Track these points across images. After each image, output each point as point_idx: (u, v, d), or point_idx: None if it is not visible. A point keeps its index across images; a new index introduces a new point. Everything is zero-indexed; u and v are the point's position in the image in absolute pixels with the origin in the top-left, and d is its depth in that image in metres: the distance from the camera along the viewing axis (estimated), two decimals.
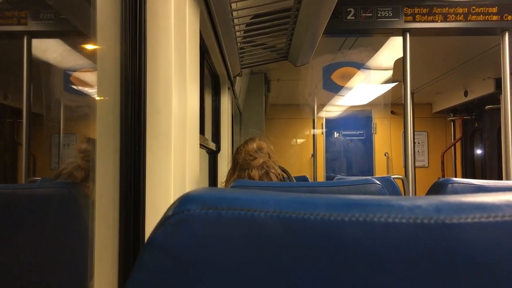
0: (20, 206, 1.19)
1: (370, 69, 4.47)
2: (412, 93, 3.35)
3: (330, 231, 0.35)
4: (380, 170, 6.86)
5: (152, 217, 0.85)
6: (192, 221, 0.36)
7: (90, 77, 1.48)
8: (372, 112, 6.91)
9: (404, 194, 3.13)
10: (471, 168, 6.49)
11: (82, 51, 1.56)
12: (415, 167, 3.16)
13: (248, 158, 1.73)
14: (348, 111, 6.56)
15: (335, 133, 7.04)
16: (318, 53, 2.70)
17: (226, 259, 0.36)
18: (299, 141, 7.15)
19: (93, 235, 0.86)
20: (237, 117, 4.67)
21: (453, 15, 2.91)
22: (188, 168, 1.10)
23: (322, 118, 6.89)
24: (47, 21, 1.65)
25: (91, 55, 0.91)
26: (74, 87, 1.62)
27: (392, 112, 6.62)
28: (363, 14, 2.93)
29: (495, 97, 4.99)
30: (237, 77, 3.08)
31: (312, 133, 6.76)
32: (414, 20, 2.93)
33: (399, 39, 3.04)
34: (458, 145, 6.75)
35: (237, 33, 2.04)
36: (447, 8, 2.91)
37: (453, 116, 6.72)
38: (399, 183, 3.37)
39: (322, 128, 6.94)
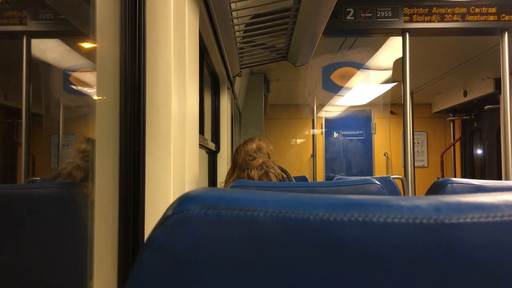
0: (19, 206, 1.19)
1: (369, 69, 4.47)
2: (411, 93, 3.35)
3: (329, 231, 0.35)
4: (379, 170, 6.87)
5: (152, 217, 0.85)
6: (192, 221, 0.36)
7: (89, 77, 1.48)
8: (371, 112, 6.91)
9: (404, 194, 3.13)
10: (470, 168, 6.49)
11: (82, 51, 1.56)
12: (414, 167, 3.16)
13: (247, 158, 1.73)
14: (348, 111, 6.57)
15: (334, 133, 7.04)
16: (318, 53, 2.70)
17: (226, 259, 0.36)
18: (299, 141, 7.15)
19: (92, 235, 0.86)
20: (237, 117, 4.67)
21: (452, 15, 2.91)
22: (188, 168, 1.10)
23: (321, 118, 6.89)
24: (47, 21, 1.65)
25: (91, 55, 0.91)
26: (74, 87, 1.62)
27: (392, 112, 6.62)
28: (363, 14, 2.93)
29: (495, 97, 5.00)
30: (237, 77, 3.09)
31: (311, 133, 6.76)
32: (413, 20, 2.93)
33: (399, 39, 3.04)
34: (457, 145, 6.75)
35: (237, 33, 2.04)
36: (446, 8, 2.91)
37: (453, 116, 6.72)
38: (398, 183, 3.38)
39: (322, 128, 6.94)
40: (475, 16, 2.90)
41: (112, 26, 0.86)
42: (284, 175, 1.89)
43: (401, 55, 3.01)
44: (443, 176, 6.65)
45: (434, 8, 2.92)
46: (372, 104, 6.01)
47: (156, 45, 0.91)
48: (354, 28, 2.98)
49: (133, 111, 0.84)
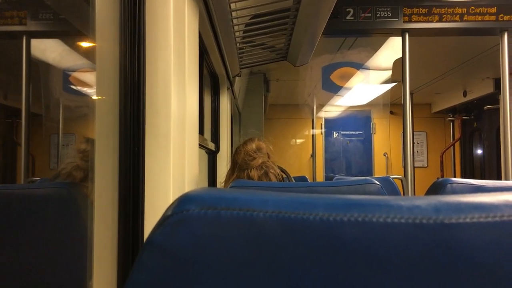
0: (19, 206, 1.19)
1: (369, 69, 4.47)
2: (411, 93, 3.35)
3: (329, 231, 0.35)
4: (379, 170, 6.87)
5: (151, 217, 0.85)
6: (191, 221, 0.36)
7: (89, 77, 1.48)
8: (371, 112, 6.92)
9: (403, 194, 3.13)
10: (470, 168, 6.50)
11: (81, 51, 1.56)
12: (414, 167, 3.17)
13: (247, 158, 1.73)
14: (347, 111, 6.57)
15: (334, 133, 7.04)
16: (317, 53, 2.70)
17: (225, 259, 0.36)
18: (298, 141, 7.15)
19: (92, 235, 0.86)
20: (236, 117, 4.67)
21: (452, 15, 2.91)
22: (187, 168, 1.10)
23: (321, 118, 6.89)
24: (46, 21, 1.65)
25: (90, 55, 0.91)
26: (73, 87, 1.62)
27: (391, 112, 6.62)
28: (362, 14, 2.93)
29: (494, 97, 5.00)
30: (236, 77, 3.09)
31: (311, 133, 6.75)
32: (413, 20, 2.93)
33: (398, 39, 3.04)
34: (457, 145, 6.76)
35: (236, 33, 2.04)
36: (446, 8, 2.91)
37: (452, 116, 6.73)
38: (398, 183, 3.37)
39: (321, 128, 6.94)
40: (474, 16, 2.90)
41: (111, 26, 0.86)
42: (284, 175, 1.89)
43: (400, 55, 3.02)
44: (442, 176, 6.65)
45: (434, 8, 2.92)
46: (371, 104, 6.01)
47: (156, 45, 0.91)
48: (354, 28, 2.98)
49: (133, 111, 0.84)
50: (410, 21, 2.93)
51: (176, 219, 0.37)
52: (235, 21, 1.86)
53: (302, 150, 7.07)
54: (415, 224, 0.34)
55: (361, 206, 0.36)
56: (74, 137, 1.63)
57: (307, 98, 6.23)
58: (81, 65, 1.59)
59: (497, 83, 4.77)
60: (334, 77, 4.58)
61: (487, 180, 1.33)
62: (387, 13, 2.93)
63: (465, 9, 2.91)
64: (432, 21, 2.93)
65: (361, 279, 0.34)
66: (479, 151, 6.31)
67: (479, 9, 2.90)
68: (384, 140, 6.84)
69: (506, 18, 2.89)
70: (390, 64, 4.11)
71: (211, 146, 2.50)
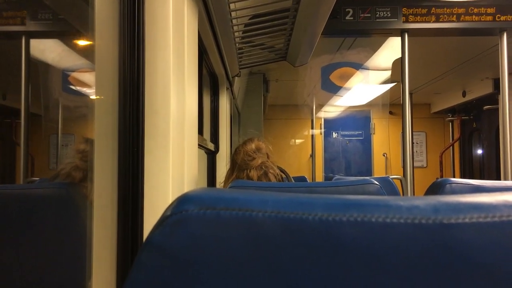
0: (18, 206, 1.19)
1: (368, 69, 4.47)
2: (410, 94, 3.35)
3: (328, 231, 0.35)
4: (378, 170, 6.87)
5: (151, 217, 0.85)
6: (190, 221, 0.36)
7: (88, 77, 1.48)
8: (370, 113, 6.92)
9: (403, 194, 3.14)
10: (469, 168, 6.50)
11: (80, 51, 1.56)
12: (413, 167, 3.17)
13: (246, 159, 1.73)
14: (347, 111, 6.57)
15: (333, 133, 7.04)
16: (317, 53, 2.70)
17: (225, 259, 0.36)
18: (298, 141, 7.16)
19: (91, 235, 0.86)
20: (236, 118, 4.67)
21: (451, 16, 2.92)
22: (187, 169, 1.10)
23: (320, 118, 6.89)
24: (46, 21, 1.65)
25: (89, 55, 0.91)
26: (72, 87, 1.62)
27: (391, 113, 6.62)
28: (362, 15, 2.94)
29: (493, 98, 5.00)
30: (236, 78, 3.09)
31: (310, 133, 6.75)
32: (412, 21, 2.94)
33: (398, 39, 3.04)
34: (456, 145, 6.76)
35: (236, 34, 2.04)
36: (445, 9, 2.91)
37: (452, 117, 6.73)
38: (397, 183, 3.37)
39: (321, 129, 6.94)
40: (473, 17, 2.91)
41: (111, 26, 0.86)
42: (283, 175, 1.89)
43: (400, 55, 3.02)
44: (442, 176, 6.66)
45: (433, 9, 2.92)
46: (371, 104, 6.01)
47: (155, 45, 0.91)
48: (353, 28, 2.98)
49: (132, 111, 0.84)
50: (409, 21, 2.93)
51: (175, 219, 0.37)
52: (234, 21, 1.86)
53: (301, 150, 7.07)
54: (414, 224, 0.34)
55: (360, 206, 0.36)
56: (73, 137, 1.63)
57: (307, 98, 6.23)
58: (80, 65, 1.59)
59: (496, 83, 4.78)
60: (334, 77, 4.58)
61: (486, 180, 1.33)
62: (387, 13, 2.93)
63: (464, 9, 2.91)
64: (431, 21, 2.93)
65: (360, 279, 0.34)
66: (478, 151, 6.31)
67: (478, 9, 2.90)
68: (383, 140, 6.85)
69: (505, 18, 2.89)
70: (389, 64, 4.11)
71: (211, 146, 2.50)
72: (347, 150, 7.02)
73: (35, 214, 1.18)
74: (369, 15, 2.93)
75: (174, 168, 0.93)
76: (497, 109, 4.66)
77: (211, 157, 2.73)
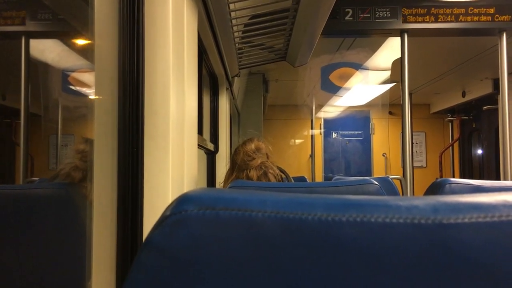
0: (17, 206, 1.18)
1: (368, 69, 4.48)
2: (410, 94, 3.35)
3: (328, 231, 0.35)
4: (378, 170, 6.87)
5: (150, 218, 0.85)
6: (190, 222, 0.36)
7: (88, 77, 1.48)
8: (370, 113, 6.92)
9: (402, 195, 3.14)
10: (469, 169, 6.50)
11: (80, 51, 1.56)
12: (413, 167, 3.17)
13: (246, 159, 1.73)
14: (346, 111, 6.57)
15: (333, 133, 7.05)
16: (316, 53, 2.70)
17: (224, 259, 0.36)
18: (298, 141, 7.16)
19: (91, 236, 0.86)
20: (236, 118, 4.67)
21: (450, 16, 2.92)
22: (186, 169, 1.10)
23: (320, 118, 6.90)
24: (45, 21, 1.65)
25: (89, 56, 0.91)
26: (72, 87, 1.62)
27: (390, 113, 6.63)
28: (361, 15, 2.94)
29: (493, 98, 5.00)
30: (236, 78, 3.09)
31: (310, 133, 6.76)
32: (412, 21, 2.94)
33: (397, 39, 3.04)
34: (456, 145, 6.76)
35: (235, 34, 2.04)
36: (444, 9, 2.92)
37: (451, 117, 6.73)
38: (397, 184, 3.38)
39: (320, 129, 6.94)
40: (473, 17, 2.91)
41: (110, 26, 0.86)
42: (283, 176, 1.89)
43: (399, 56, 3.02)
44: (441, 176, 6.66)
45: (433, 9, 2.93)
46: (370, 104, 6.02)
47: (155, 45, 0.91)
48: (353, 28, 2.98)
49: (132, 111, 0.84)
50: (409, 21, 2.93)
51: (175, 220, 0.37)
52: (234, 21, 1.86)
53: (301, 150, 7.07)
54: (413, 224, 0.34)
55: (359, 206, 0.36)
56: (73, 138, 1.63)
57: (306, 99, 6.24)
58: (80, 66, 1.59)
59: (496, 84, 4.78)
60: (333, 77, 4.58)
61: (486, 180, 1.33)
62: (386, 13, 2.93)
63: (463, 9, 2.91)
64: (430, 22, 2.93)
65: (360, 279, 0.34)
66: (478, 151, 6.32)
67: (477, 9, 2.90)
68: (383, 140, 6.85)
69: (504, 18, 2.89)
70: (389, 64, 4.11)
71: (210, 146, 2.50)
72: (346, 150, 7.03)
73: (34, 214, 1.18)
74: (369, 15, 2.93)
75: (173, 168, 0.93)
76: (497, 109, 4.67)
77: (210, 157, 2.73)
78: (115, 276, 0.83)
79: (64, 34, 1.70)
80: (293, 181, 2.25)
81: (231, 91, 3.13)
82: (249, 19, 1.97)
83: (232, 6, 1.67)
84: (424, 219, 0.34)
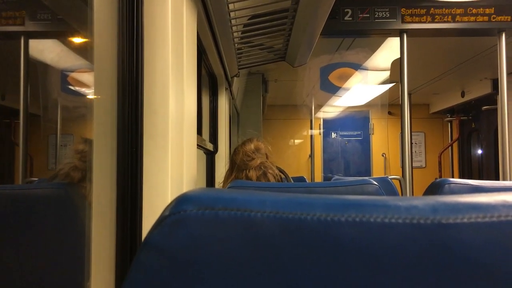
0: (17, 206, 1.18)
1: (367, 69, 4.48)
2: (409, 94, 3.36)
3: (327, 231, 0.35)
4: (377, 170, 6.88)
5: (149, 217, 0.85)
6: (189, 222, 0.36)
7: (87, 77, 1.48)
8: (369, 113, 6.93)
9: (401, 195, 3.14)
10: (468, 169, 6.51)
11: (79, 51, 1.56)
12: (412, 167, 3.17)
13: (245, 159, 1.73)
14: (346, 111, 6.58)
15: (332, 133, 7.05)
16: (316, 54, 2.70)
17: (223, 259, 0.36)
18: (297, 141, 7.16)
19: (90, 236, 0.86)
20: (235, 118, 4.66)
21: (450, 16, 2.92)
22: (186, 169, 1.10)
23: (319, 118, 6.90)
24: (44, 21, 1.64)
25: (88, 56, 0.91)
26: (71, 87, 1.61)
27: (389, 113, 6.63)
28: (361, 15, 2.94)
29: (492, 98, 5.00)
30: (235, 78, 3.08)
31: (309, 133, 6.76)
32: (411, 21, 2.94)
33: (396, 39, 3.04)
34: (455, 145, 6.77)
35: (235, 34, 2.04)
36: (444, 9, 2.92)
37: (450, 117, 6.74)
38: (396, 184, 3.38)
39: (320, 129, 6.94)
40: (472, 17, 2.91)
41: (109, 26, 0.86)
42: (282, 176, 1.89)
43: (398, 56, 3.02)
44: (441, 177, 6.66)
45: (432, 9, 2.93)
46: (370, 104, 6.02)
47: (154, 45, 0.91)
48: (352, 28, 2.98)
49: (131, 111, 0.84)
50: (408, 21, 2.94)
51: (174, 220, 0.37)
52: (233, 21, 1.86)
53: (300, 150, 7.08)
54: (412, 224, 0.34)
55: (359, 206, 0.36)
56: (72, 138, 1.63)
57: (306, 99, 6.24)
58: (79, 66, 1.59)
59: (495, 84, 4.78)
60: (333, 77, 4.58)
61: (485, 180, 1.33)
62: (385, 13, 2.93)
63: (463, 9, 2.91)
64: (430, 22, 2.93)
65: (359, 279, 0.34)
66: (477, 152, 6.32)
67: (476, 9, 2.90)
68: (382, 140, 6.85)
69: (503, 18, 2.89)
70: (388, 64, 4.11)
71: (210, 146, 2.50)
72: (346, 150, 7.03)
73: (33, 214, 1.18)
74: (368, 15, 2.93)
75: (173, 168, 0.93)
76: (496, 110, 4.67)
77: (210, 157, 2.73)
78: (114, 276, 0.83)
79: (63, 34, 1.70)
80: (292, 181, 2.25)
81: (231, 91, 3.13)
82: (249, 19, 1.97)
83: (231, 6, 1.67)
84: (423, 219, 0.34)
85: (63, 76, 1.62)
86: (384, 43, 3.56)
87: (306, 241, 0.35)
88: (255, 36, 2.21)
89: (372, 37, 3.26)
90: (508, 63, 3.04)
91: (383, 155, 6.90)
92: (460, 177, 6.33)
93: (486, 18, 2.90)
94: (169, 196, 0.90)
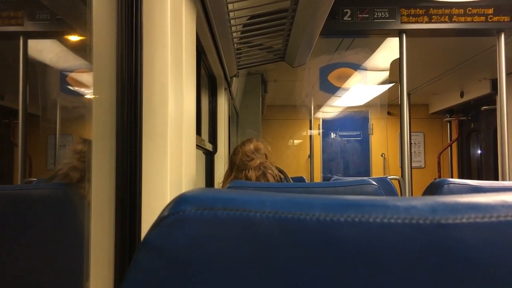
0: (15, 207, 1.18)
1: (366, 70, 4.48)
2: (408, 94, 3.35)
3: (326, 232, 0.35)
4: (376, 170, 6.88)
5: (148, 218, 0.85)
6: (188, 222, 0.36)
7: (86, 77, 1.48)
8: (368, 113, 6.93)
9: (401, 195, 3.14)
10: (467, 169, 6.51)
11: (78, 51, 1.56)
12: (411, 167, 3.17)
13: (245, 159, 1.73)
14: (345, 112, 6.58)
15: (332, 134, 7.05)
16: (315, 54, 2.70)
17: (222, 259, 0.36)
18: (296, 142, 7.16)
19: (89, 236, 0.86)
20: (234, 118, 4.66)
21: (449, 16, 2.92)
22: (185, 169, 1.09)
23: (319, 119, 6.90)
24: (43, 21, 1.64)
25: (87, 56, 0.91)
26: (70, 87, 1.61)
27: (389, 113, 6.63)
28: (360, 15, 2.94)
29: (491, 98, 5.01)
30: (234, 78, 3.08)
31: (309, 134, 6.76)
32: (410, 21, 2.94)
33: (396, 40, 3.04)
34: (454, 146, 6.77)
35: (234, 34, 2.04)
36: (443, 9, 2.92)
37: (450, 117, 6.74)
38: (395, 184, 3.38)
39: (319, 129, 6.95)
40: (471, 17, 2.91)
41: (108, 26, 0.86)
42: (282, 176, 1.89)
43: (398, 56, 3.02)
44: (440, 177, 6.67)
45: (431, 9, 2.93)
46: (369, 105, 6.02)
47: (153, 45, 0.91)
48: (351, 29, 2.98)
49: (130, 111, 0.84)
50: (407, 22, 2.94)
51: (173, 220, 0.37)
52: (232, 21, 1.86)
53: (300, 150, 7.08)
54: (411, 225, 0.34)
55: (358, 207, 0.36)
56: (71, 138, 1.63)
57: (305, 99, 6.24)
58: (78, 66, 1.59)
59: (494, 84, 4.79)
60: (332, 77, 4.58)
61: (484, 180, 1.33)
62: (385, 14, 2.94)
63: (462, 10, 2.91)
64: (429, 22, 2.93)
65: (358, 279, 0.34)
66: (476, 152, 6.32)
67: (476, 10, 2.90)
68: (381, 140, 6.85)
69: (502, 19, 2.90)
70: (387, 64, 4.11)
71: (209, 146, 2.50)
72: (345, 150, 7.03)
73: (32, 215, 1.17)
74: (367, 15, 2.94)
75: (172, 169, 0.93)
76: (495, 110, 4.67)
77: (209, 157, 2.73)
78: (113, 277, 0.83)
79: (62, 34, 1.70)
80: (291, 181, 2.25)
81: (230, 91, 3.13)
82: (248, 19, 1.97)
83: (230, 6, 1.67)
84: (422, 219, 0.34)
85: (62, 76, 1.62)
86: (384, 43, 3.56)
87: (305, 241, 0.35)
88: (254, 36, 2.21)
89: (371, 37, 3.26)
90: (507, 63, 3.04)
91: (382, 155, 6.90)
92: (459, 177, 6.34)
93: (485, 18, 2.91)
94: (168, 197, 0.90)
